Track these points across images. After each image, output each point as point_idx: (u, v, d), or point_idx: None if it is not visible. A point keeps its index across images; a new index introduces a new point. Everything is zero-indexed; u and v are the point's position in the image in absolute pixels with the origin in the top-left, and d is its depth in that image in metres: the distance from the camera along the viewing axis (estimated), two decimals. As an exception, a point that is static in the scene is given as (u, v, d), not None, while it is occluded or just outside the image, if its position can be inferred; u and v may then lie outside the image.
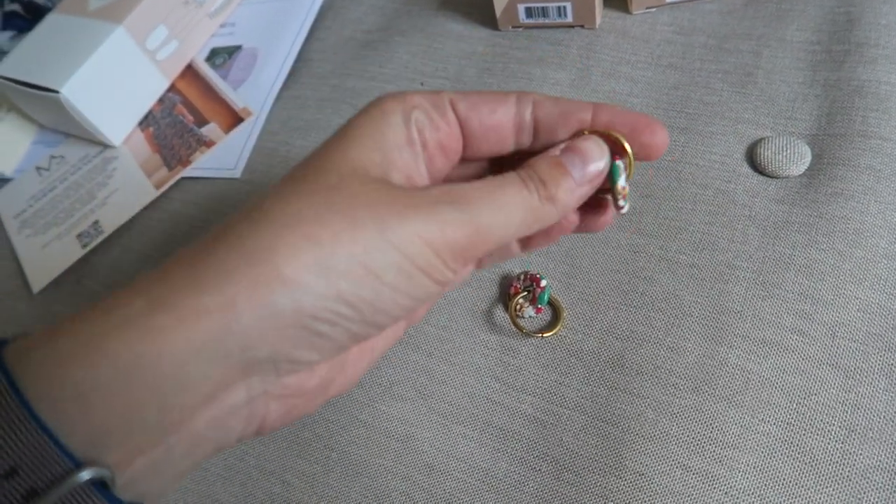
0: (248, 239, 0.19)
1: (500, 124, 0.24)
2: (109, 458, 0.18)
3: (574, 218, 0.25)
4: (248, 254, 0.19)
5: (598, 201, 0.25)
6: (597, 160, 0.22)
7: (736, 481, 0.29)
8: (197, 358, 0.18)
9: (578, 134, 0.23)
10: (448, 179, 0.25)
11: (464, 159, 0.25)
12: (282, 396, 0.21)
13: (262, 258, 0.18)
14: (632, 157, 0.23)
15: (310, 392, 0.22)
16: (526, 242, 0.27)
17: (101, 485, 0.18)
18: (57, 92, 0.44)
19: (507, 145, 0.24)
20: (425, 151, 0.23)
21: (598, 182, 0.23)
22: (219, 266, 0.19)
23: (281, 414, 0.22)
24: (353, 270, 0.19)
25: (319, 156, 0.21)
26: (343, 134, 0.22)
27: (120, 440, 0.18)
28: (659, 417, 0.30)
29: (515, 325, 0.33)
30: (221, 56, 0.51)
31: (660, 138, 0.23)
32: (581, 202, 0.23)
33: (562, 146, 0.23)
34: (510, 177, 0.22)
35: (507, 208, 0.21)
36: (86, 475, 0.17)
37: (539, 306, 0.34)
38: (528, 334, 0.34)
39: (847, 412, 0.29)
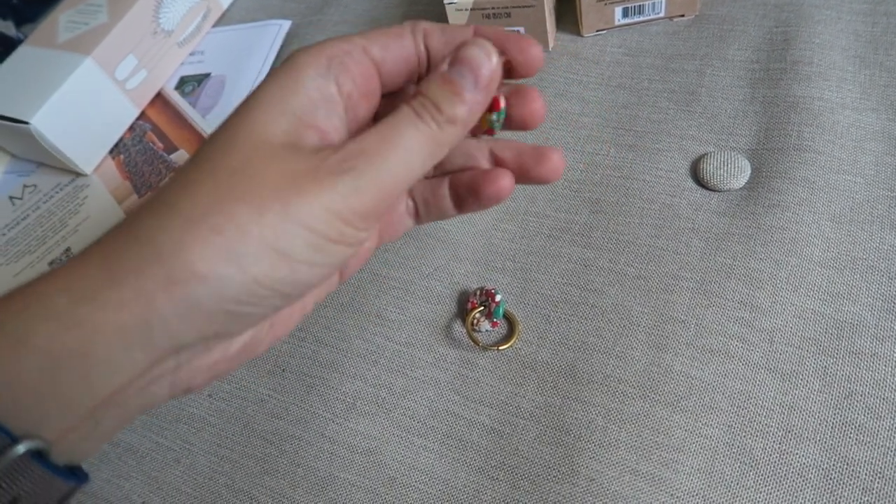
0: (158, 234, 0.19)
1: (408, 56, 0.24)
2: (43, 434, 0.19)
3: (507, 181, 0.25)
4: (159, 250, 0.19)
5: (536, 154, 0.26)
6: (485, 64, 0.22)
7: (682, 483, 0.30)
8: (123, 346, 0.19)
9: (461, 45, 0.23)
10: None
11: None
12: (208, 364, 0.23)
13: (172, 254, 0.19)
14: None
15: (233, 355, 0.23)
16: (461, 207, 0.27)
17: (37, 455, 0.19)
18: (27, 123, 0.45)
19: (413, 75, 0.25)
20: (349, 101, 0.23)
21: (494, 86, 0.22)
22: (132, 262, 0.19)
23: (206, 379, 0.23)
24: (265, 255, 0.20)
25: (225, 129, 0.21)
26: (251, 102, 0.22)
27: (51, 423, 0.19)
28: (609, 424, 0.32)
29: (472, 339, 0.35)
30: (190, 84, 0.53)
31: (532, 52, 0.24)
32: (481, 111, 0.23)
33: (447, 60, 0.22)
34: (403, 113, 0.22)
35: (409, 152, 0.21)
36: (22, 448, 0.18)
37: (495, 320, 0.35)
38: (484, 348, 0.35)
39: (784, 414, 0.30)
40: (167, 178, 0.20)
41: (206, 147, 0.21)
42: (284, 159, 0.21)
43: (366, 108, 0.24)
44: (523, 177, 0.26)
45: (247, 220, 0.19)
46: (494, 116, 0.24)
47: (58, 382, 0.19)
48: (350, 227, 0.21)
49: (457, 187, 0.27)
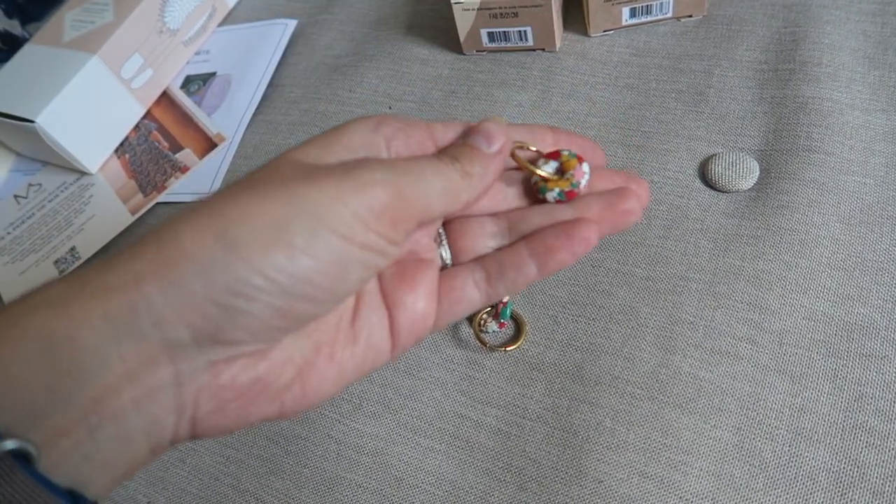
0: (162, 227, 0.20)
1: None
2: (33, 436, 0.18)
3: (592, 236, 0.25)
4: (158, 237, 0.20)
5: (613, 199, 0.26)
6: (497, 133, 0.24)
7: (690, 486, 0.30)
8: (109, 333, 0.18)
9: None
10: None
11: None
12: (213, 388, 0.21)
13: (168, 238, 0.19)
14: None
15: (243, 386, 0.21)
16: (544, 266, 0.25)
17: (24, 460, 0.17)
18: (33, 122, 0.45)
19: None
20: (395, 153, 0.24)
21: (505, 154, 0.25)
22: (130, 250, 0.20)
23: (212, 410, 0.21)
24: (261, 239, 0.19)
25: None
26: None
27: (41, 417, 0.18)
28: (617, 426, 0.32)
29: (479, 339, 0.35)
30: (196, 83, 0.53)
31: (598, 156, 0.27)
32: (494, 176, 0.24)
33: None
34: (427, 156, 0.24)
35: (427, 176, 0.22)
36: (9, 444, 0.17)
37: (502, 321, 0.35)
38: (492, 348, 0.35)
39: (794, 416, 0.30)
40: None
41: None
42: (301, 165, 0.22)
43: None
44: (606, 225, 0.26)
45: (247, 203, 0.19)
46: (583, 181, 0.25)
47: (46, 371, 0.18)
48: (356, 221, 0.20)
49: (534, 244, 0.25)
